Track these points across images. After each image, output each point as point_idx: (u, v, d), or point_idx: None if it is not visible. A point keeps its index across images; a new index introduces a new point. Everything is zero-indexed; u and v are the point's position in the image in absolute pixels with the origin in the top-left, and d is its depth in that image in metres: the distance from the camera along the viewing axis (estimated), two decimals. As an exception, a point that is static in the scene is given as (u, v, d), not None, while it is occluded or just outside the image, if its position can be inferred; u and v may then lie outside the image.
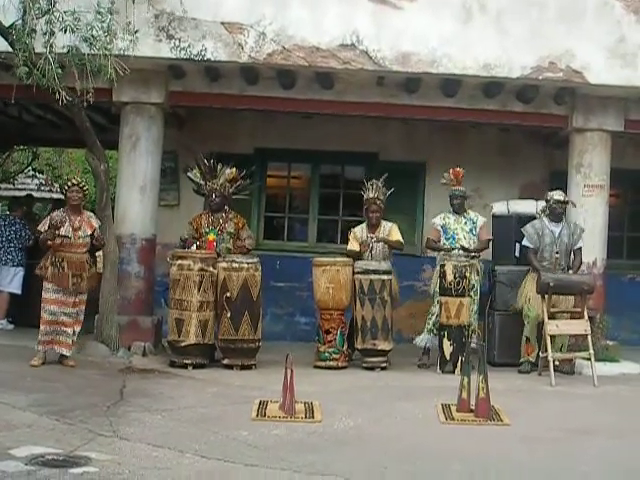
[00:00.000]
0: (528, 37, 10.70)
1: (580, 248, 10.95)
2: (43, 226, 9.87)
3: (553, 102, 11.64)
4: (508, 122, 12.18)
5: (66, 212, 9.94)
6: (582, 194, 11.57)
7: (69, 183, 10.09)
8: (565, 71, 10.75)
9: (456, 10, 10.71)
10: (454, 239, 11.06)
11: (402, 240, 11.16)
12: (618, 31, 10.79)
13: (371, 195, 11.10)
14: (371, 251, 11.04)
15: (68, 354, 9.86)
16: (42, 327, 9.73)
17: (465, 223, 11.16)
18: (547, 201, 10.96)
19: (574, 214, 11.43)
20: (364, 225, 11.25)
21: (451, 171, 11.23)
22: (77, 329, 9.95)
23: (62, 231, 9.75)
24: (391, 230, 11.12)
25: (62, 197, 10.35)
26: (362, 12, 10.67)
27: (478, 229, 11.17)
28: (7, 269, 12.82)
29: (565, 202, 10.91)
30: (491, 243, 11.37)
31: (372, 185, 11.13)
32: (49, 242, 9.71)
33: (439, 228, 11.17)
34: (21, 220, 13.26)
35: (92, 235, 9.99)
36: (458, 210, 11.20)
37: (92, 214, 10.35)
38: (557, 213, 10.88)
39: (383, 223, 11.18)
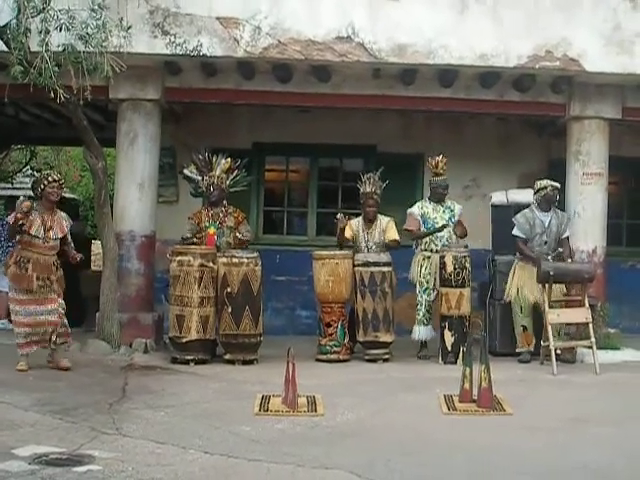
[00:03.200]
0: (524, 26, 10.70)
1: (568, 237, 10.95)
2: (12, 218, 9.50)
3: (550, 91, 11.65)
4: (505, 112, 12.20)
5: (39, 208, 9.58)
6: (581, 182, 11.58)
7: (49, 178, 9.64)
8: (562, 59, 10.75)
9: (452, 0, 10.70)
10: (434, 227, 11.05)
11: (398, 238, 11.13)
12: (614, 19, 10.80)
13: (368, 189, 11.09)
14: (367, 245, 11.05)
15: (69, 343, 9.75)
16: (20, 329, 9.42)
17: (444, 211, 11.16)
18: (539, 190, 10.93)
19: (573, 202, 11.45)
20: (360, 219, 11.24)
21: (431, 160, 11.23)
22: (65, 321, 9.61)
23: (32, 230, 9.40)
24: (387, 227, 11.11)
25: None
26: (358, 4, 10.68)
27: (457, 217, 11.18)
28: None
29: (544, 188, 10.85)
30: (490, 232, 11.37)
31: (369, 179, 11.13)
32: (17, 236, 9.45)
33: (418, 218, 11.16)
34: None
35: (63, 239, 9.67)
36: (439, 199, 11.19)
37: (65, 215, 9.96)
38: (543, 201, 10.87)
39: (379, 217, 11.17)
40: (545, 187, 10.85)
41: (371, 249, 11.01)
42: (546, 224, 10.82)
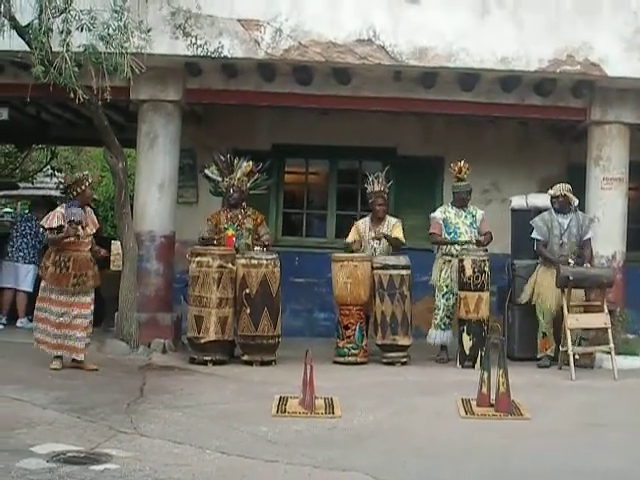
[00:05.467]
0: (545, 30, 10.66)
1: (589, 239, 10.88)
2: (50, 222, 9.46)
3: (571, 95, 11.61)
4: (526, 116, 12.15)
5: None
6: (601, 187, 11.54)
7: (90, 180, 9.82)
8: (583, 64, 10.71)
9: (473, 3, 10.69)
10: (456, 233, 11.05)
11: (403, 239, 11.12)
12: (635, 23, 10.75)
13: (376, 188, 11.15)
14: (374, 245, 11.06)
15: (81, 359, 9.57)
16: (45, 327, 9.41)
17: (465, 217, 11.15)
18: (551, 198, 10.90)
19: (593, 207, 11.41)
20: (367, 219, 11.29)
21: (453, 165, 11.20)
22: (89, 332, 9.63)
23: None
24: (394, 227, 11.14)
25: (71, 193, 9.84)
26: (378, 7, 10.67)
27: (478, 222, 11.16)
28: (19, 266, 12.84)
29: (558, 196, 10.81)
30: (509, 236, 11.33)
31: (377, 178, 11.17)
32: (70, 239, 9.37)
33: (440, 222, 11.14)
34: (39, 218, 13.25)
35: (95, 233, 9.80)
36: (463, 205, 11.18)
37: (91, 209, 10.05)
38: (556, 207, 10.83)
39: (388, 218, 11.22)
40: (556, 196, 10.79)
41: (379, 247, 11.04)
42: (564, 226, 10.77)
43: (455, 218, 11.13)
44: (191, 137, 12.85)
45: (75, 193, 9.67)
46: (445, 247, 11.04)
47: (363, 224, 11.27)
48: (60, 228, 9.43)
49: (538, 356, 10.79)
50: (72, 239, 9.43)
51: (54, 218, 9.51)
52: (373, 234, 11.11)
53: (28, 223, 13.08)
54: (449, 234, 11.09)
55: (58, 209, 9.75)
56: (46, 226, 9.56)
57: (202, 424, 7.30)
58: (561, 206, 10.80)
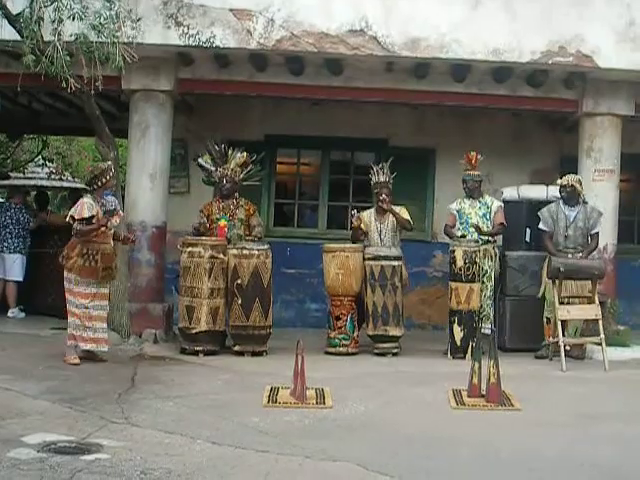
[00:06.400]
0: (538, 21, 10.66)
1: (597, 233, 10.84)
2: (80, 212, 9.21)
3: (563, 86, 11.62)
4: (518, 107, 12.16)
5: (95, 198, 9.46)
6: (592, 179, 11.54)
7: (112, 171, 9.66)
8: (575, 55, 10.72)
9: (465, -6, 10.70)
10: (467, 223, 11.06)
11: (411, 220, 11.14)
12: (628, 14, 10.75)
13: (382, 179, 11.10)
14: (380, 235, 11.04)
15: (106, 350, 9.54)
16: (73, 320, 9.29)
17: (479, 208, 11.14)
18: (560, 187, 10.87)
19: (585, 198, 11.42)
20: (372, 210, 11.24)
21: (465, 156, 11.22)
22: (106, 322, 9.66)
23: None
24: (401, 211, 11.11)
25: (78, 185, 9.76)
26: (371, -3, 10.68)
27: (493, 214, 11.13)
28: (5, 257, 12.78)
29: (566, 186, 10.79)
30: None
31: (381, 169, 11.14)
32: (103, 229, 9.29)
33: (454, 213, 11.18)
34: (17, 205, 13.13)
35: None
36: (472, 194, 11.17)
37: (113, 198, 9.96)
38: (564, 197, 10.81)
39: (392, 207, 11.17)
40: (564, 186, 10.75)
41: (385, 238, 11.01)
42: (570, 219, 10.71)
43: (469, 209, 11.15)
44: (183, 127, 12.84)
45: (100, 183, 9.50)
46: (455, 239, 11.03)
47: (368, 215, 11.23)
48: (91, 219, 9.26)
49: (543, 343, 10.78)
50: (102, 229, 9.34)
51: (83, 208, 9.29)
52: (379, 225, 11.09)
53: (7, 212, 12.97)
54: (461, 224, 11.14)
55: (85, 199, 9.45)
56: (76, 217, 9.29)
57: (193, 414, 7.29)
58: (569, 196, 10.74)
